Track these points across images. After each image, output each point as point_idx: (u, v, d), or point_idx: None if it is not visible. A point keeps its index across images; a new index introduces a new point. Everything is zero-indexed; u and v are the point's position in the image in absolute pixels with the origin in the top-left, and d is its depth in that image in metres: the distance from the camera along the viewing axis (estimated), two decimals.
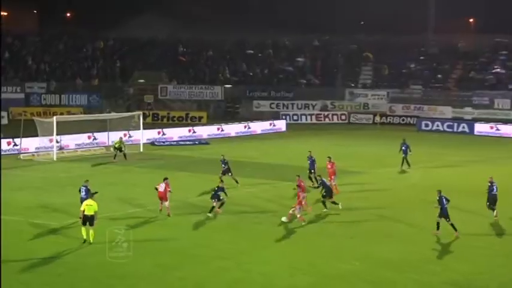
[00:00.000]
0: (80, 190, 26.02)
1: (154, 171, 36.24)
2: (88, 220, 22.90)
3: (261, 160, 37.81)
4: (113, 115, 48.11)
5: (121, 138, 42.37)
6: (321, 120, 65.14)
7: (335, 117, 65.53)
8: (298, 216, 25.79)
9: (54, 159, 41.27)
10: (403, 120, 64.25)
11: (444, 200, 24.35)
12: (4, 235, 23.93)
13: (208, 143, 50.55)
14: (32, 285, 19.53)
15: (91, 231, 22.87)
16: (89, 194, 24.21)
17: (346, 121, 65.00)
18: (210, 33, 75.34)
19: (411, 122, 63.07)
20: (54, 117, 42.76)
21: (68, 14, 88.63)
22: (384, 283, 19.96)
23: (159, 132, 51.07)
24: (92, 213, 22.87)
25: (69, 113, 59.69)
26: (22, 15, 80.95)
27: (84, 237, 22.93)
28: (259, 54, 74.02)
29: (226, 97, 67.70)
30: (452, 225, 24.26)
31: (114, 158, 40.51)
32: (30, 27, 77.09)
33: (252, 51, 74.48)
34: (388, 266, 21.44)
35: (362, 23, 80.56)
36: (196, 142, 50.88)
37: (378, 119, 60.63)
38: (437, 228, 24.42)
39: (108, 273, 20.48)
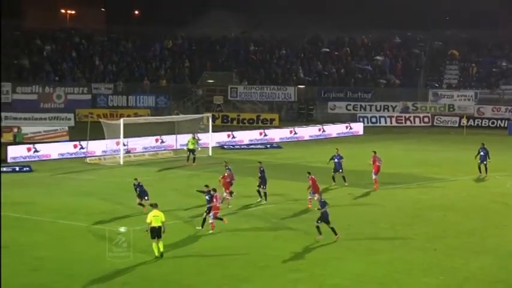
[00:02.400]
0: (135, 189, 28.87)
1: None
2: (156, 232, 22.79)
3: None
4: (181, 117, 48.79)
5: (194, 135, 42.41)
6: (402, 123, 64.34)
7: (417, 119, 64.64)
8: (210, 221, 26.00)
9: (121, 163, 42.20)
10: (492, 123, 62.82)
11: (323, 203, 25.12)
12: (70, 242, 24.81)
13: (281, 146, 50.68)
14: None
15: (160, 244, 22.87)
16: (144, 193, 28.34)
17: (430, 124, 64.05)
18: (282, 31, 75.52)
19: (502, 125, 61.66)
20: (121, 119, 43.77)
21: (136, 12, 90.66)
22: None
23: (228, 135, 51.53)
24: (160, 224, 22.81)
25: (136, 114, 60.99)
26: (89, 14, 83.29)
27: (156, 253, 22.81)
28: (336, 53, 73.69)
29: (299, 98, 67.69)
30: (332, 228, 24.80)
31: (194, 162, 40.69)
32: (98, 26, 79.12)
33: (327, 49, 74.23)
34: (476, 282, 21.00)
35: (447, 18, 79.06)
36: (268, 146, 51.08)
37: (464, 121, 59.42)
38: (319, 232, 24.84)
39: (175, 284, 20.84)
